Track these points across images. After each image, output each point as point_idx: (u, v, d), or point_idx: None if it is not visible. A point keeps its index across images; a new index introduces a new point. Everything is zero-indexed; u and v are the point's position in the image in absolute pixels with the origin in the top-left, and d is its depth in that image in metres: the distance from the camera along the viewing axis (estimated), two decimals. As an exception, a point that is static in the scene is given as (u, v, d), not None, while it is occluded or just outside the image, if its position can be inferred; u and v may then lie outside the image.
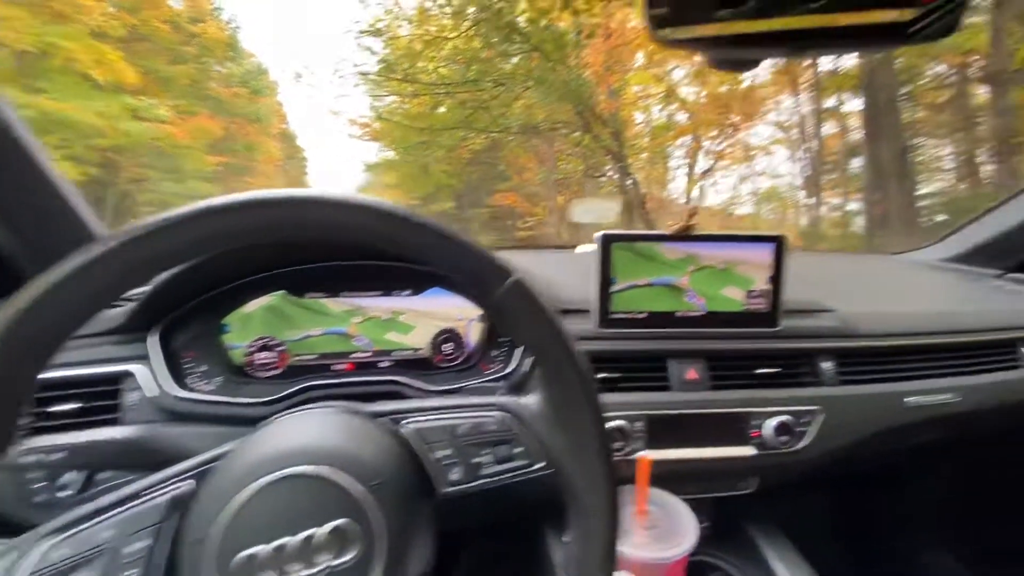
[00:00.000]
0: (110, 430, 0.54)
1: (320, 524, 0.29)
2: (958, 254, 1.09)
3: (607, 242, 0.65)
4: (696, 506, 0.76)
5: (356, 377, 0.65)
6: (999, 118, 5.61)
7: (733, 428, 0.66)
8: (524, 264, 0.79)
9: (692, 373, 0.67)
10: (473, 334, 0.69)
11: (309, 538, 0.29)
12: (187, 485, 0.32)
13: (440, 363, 0.68)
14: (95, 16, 6.15)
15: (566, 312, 0.70)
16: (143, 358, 0.57)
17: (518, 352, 0.64)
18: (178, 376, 0.58)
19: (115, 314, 0.59)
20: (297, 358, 0.65)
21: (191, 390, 0.58)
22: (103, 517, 0.30)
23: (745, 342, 0.69)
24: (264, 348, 0.64)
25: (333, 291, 0.65)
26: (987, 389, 0.76)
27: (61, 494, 0.51)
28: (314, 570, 0.28)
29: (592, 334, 0.67)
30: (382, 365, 0.67)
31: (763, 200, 9.52)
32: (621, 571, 0.52)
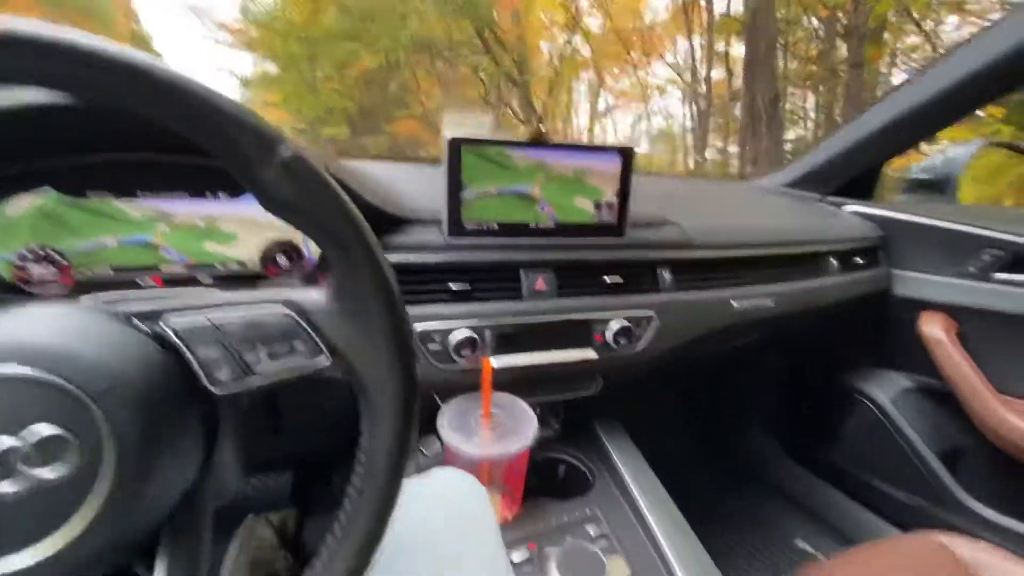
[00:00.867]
0: None
1: (18, 433, 0.24)
2: (791, 180, 1.22)
3: (456, 146, 0.61)
4: (549, 409, 0.82)
5: None
6: (853, 71, 6.29)
7: (577, 334, 0.69)
8: (387, 176, 0.74)
9: (540, 283, 0.68)
10: (314, 244, 0.63)
11: (11, 449, 0.24)
12: None
13: (274, 277, 0.62)
14: None
15: (419, 222, 0.66)
16: None
17: None
18: None
19: None
20: (87, 272, 0.55)
21: None
22: None
23: (592, 252, 0.71)
24: (39, 260, 0.53)
25: (125, 190, 0.55)
26: (796, 295, 0.87)
27: None
28: (18, 485, 0.24)
29: (443, 244, 0.65)
30: (202, 281, 0.59)
31: (656, 140, 9.99)
32: (449, 467, 0.53)
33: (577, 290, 0.70)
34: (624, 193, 0.69)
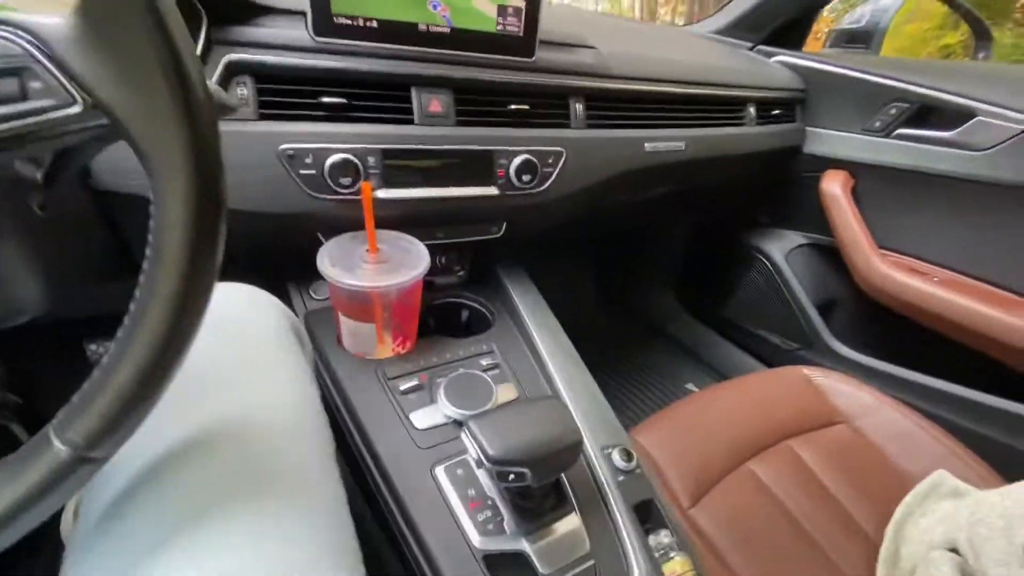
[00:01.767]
0: None
1: None
2: (723, 26, 1.14)
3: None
4: (455, 255, 0.78)
5: None
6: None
7: (477, 167, 0.62)
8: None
9: (435, 105, 0.59)
10: None
11: None
12: None
13: None
14: None
15: (276, 12, 0.53)
16: None
17: None
18: None
19: None
20: None
21: None
22: None
23: (497, 73, 0.62)
24: None
25: None
26: (710, 141, 0.85)
27: None
28: None
29: (309, 44, 0.53)
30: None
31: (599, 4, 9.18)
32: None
33: (478, 118, 0.62)
34: (534, -2, 0.59)
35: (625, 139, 0.73)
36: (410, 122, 0.59)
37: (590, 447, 0.54)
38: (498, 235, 0.73)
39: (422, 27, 0.56)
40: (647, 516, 0.52)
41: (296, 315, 0.59)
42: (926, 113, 0.92)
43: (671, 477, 0.63)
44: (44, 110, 0.23)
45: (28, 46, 0.23)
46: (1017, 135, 0.82)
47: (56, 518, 0.27)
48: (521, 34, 0.61)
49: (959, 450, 0.70)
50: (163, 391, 0.25)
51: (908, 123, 0.94)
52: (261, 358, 0.40)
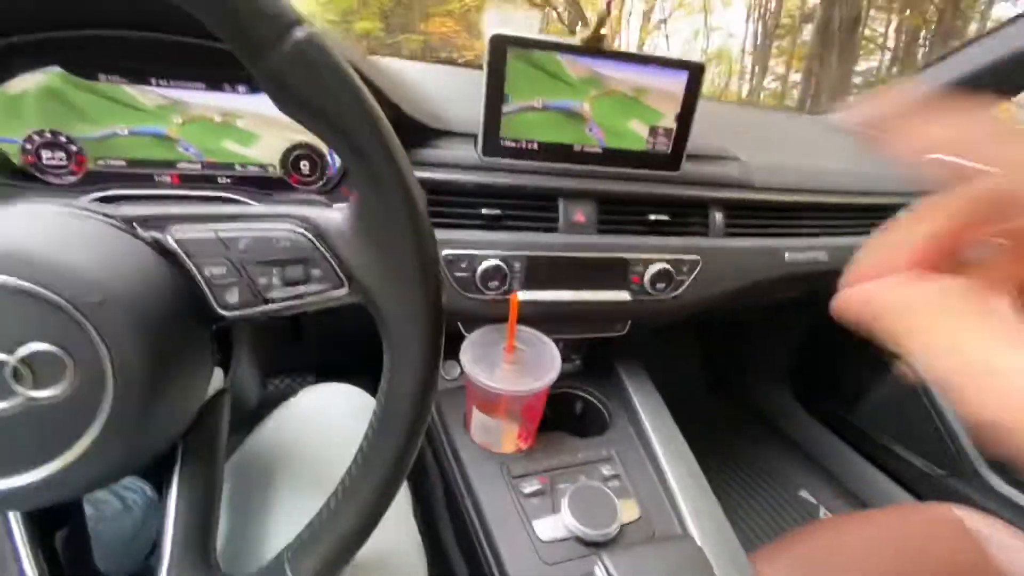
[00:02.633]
0: None
1: (6, 349, 0.21)
2: (871, 119, 1.08)
3: (500, 46, 0.53)
4: (571, 344, 0.80)
5: (183, 191, 0.53)
6: (951, -6, 5.49)
7: (613, 273, 0.64)
8: (421, 79, 0.66)
9: (580, 215, 0.62)
10: (339, 152, 0.58)
11: (2, 366, 0.21)
12: None
13: (297, 184, 0.58)
14: None
15: (451, 135, 0.60)
16: None
17: None
18: None
19: None
20: (101, 163, 0.51)
21: None
22: None
23: (641, 185, 0.64)
24: (50, 146, 0.50)
25: (138, 76, 0.50)
26: (855, 250, 0.79)
27: None
28: (13, 403, 0.22)
29: (477, 163, 0.59)
30: (220, 181, 0.55)
31: (711, 61, 9.13)
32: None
33: (618, 226, 0.64)
34: (686, 118, 0.61)
35: (764, 248, 0.72)
36: (554, 230, 0.62)
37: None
38: (622, 332, 0.73)
39: (577, 148, 0.61)
40: None
41: None
42: None
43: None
44: (320, 292, 0.28)
45: (314, 239, 0.28)
46: None
47: None
48: (669, 152, 0.63)
49: None
50: (368, 537, 0.29)
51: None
52: None
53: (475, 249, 0.58)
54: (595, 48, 0.55)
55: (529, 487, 0.57)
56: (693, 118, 0.61)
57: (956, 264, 0.22)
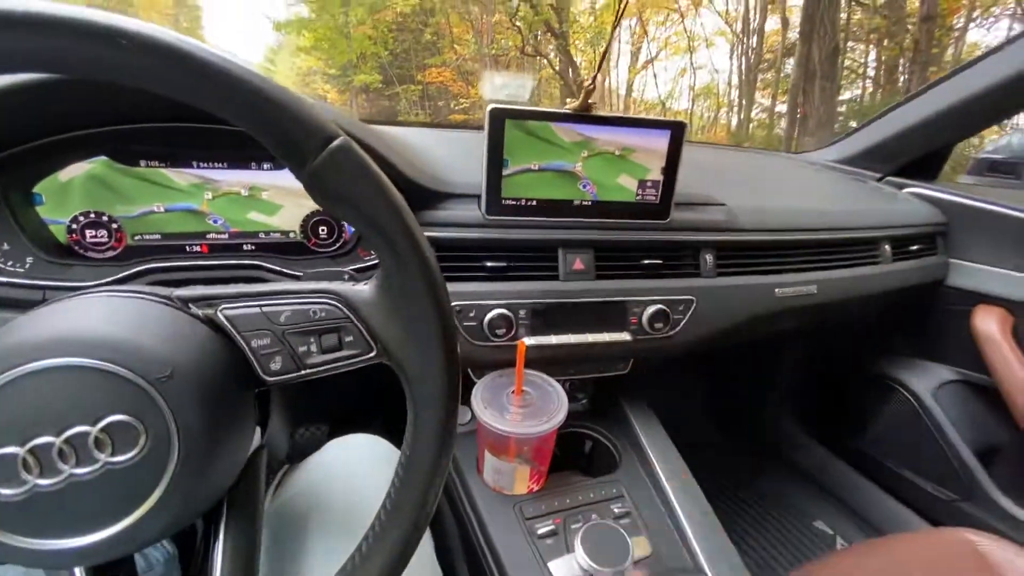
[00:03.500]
0: None
1: (90, 421, 0.25)
2: (847, 156, 1.14)
3: (499, 118, 0.59)
4: (578, 384, 0.83)
5: (212, 260, 0.58)
6: (924, 24, 5.73)
7: (612, 316, 0.68)
8: (423, 144, 0.73)
9: (578, 263, 0.67)
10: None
11: (83, 435, 0.25)
12: None
13: (315, 247, 0.63)
14: None
15: (456, 196, 0.65)
16: None
17: None
18: None
19: None
20: (138, 238, 0.57)
21: None
22: None
23: (634, 233, 0.69)
24: (93, 225, 0.55)
25: (173, 160, 0.55)
26: (843, 283, 0.83)
27: None
28: (89, 468, 0.25)
29: (481, 221, 0.64)
30: (245, 248, 0.60)
31: (699, 96, 9.46)
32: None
33: (615, 272, 0.69)
34: (671, 172, 0.66)
35: (755, 285, 0.76)
36: (555, 278, 0.66)
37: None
38: (624, 371, 0.76)
39: (572, 202, 0.66)
40: None
41: None
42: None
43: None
44: (352, 356, 0.32)
45: (347, 310, 0.32)
46: None
47: None
48: (657, 202, 0.68)
49: None
50: None
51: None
52: None
53: (482, 299, 0.62)
54: (584, 115, 0.61)
55: (542, 528, 0.59)
56: (678, 171, 0.66)
57: None
